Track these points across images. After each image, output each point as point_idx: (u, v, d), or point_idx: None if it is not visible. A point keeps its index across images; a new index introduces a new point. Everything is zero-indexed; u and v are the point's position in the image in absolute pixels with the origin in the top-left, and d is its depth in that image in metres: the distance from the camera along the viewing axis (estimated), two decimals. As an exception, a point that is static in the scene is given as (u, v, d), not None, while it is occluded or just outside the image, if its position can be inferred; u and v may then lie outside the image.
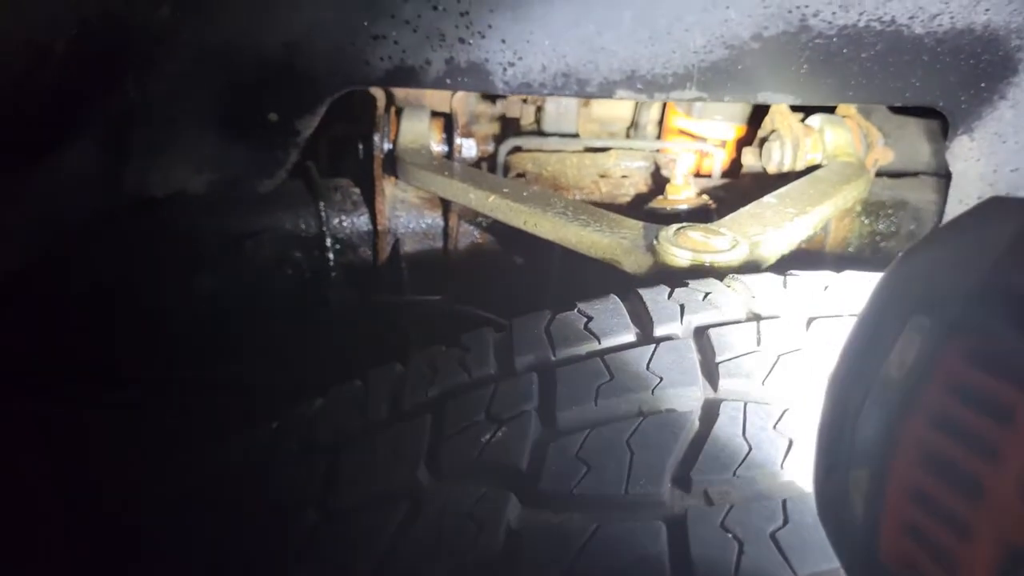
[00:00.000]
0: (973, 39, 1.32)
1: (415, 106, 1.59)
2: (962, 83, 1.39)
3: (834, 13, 1.29)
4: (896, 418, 0.35)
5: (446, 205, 1.62)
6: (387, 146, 1.54)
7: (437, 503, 0.67)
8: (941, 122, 1.76)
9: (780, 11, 1.29)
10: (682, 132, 1.98)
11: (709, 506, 0.62)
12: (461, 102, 1.64)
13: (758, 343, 0.75)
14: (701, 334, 0.78)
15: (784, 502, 0.61)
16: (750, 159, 1.81)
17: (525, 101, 1.82)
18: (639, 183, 1.80)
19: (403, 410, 0.77)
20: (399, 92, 1.65)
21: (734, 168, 1.94)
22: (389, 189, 1.60)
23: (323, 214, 1.58)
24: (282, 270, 1.60)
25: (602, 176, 1.79)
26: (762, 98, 1.43)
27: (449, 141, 1.60)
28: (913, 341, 0.35)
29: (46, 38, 0.99)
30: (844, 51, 1.35)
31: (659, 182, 1.82)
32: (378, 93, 1.58)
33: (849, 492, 0.38)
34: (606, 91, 1.38)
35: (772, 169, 1.68)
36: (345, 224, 1.61)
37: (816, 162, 1.65)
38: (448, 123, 1.61)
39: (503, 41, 1.32)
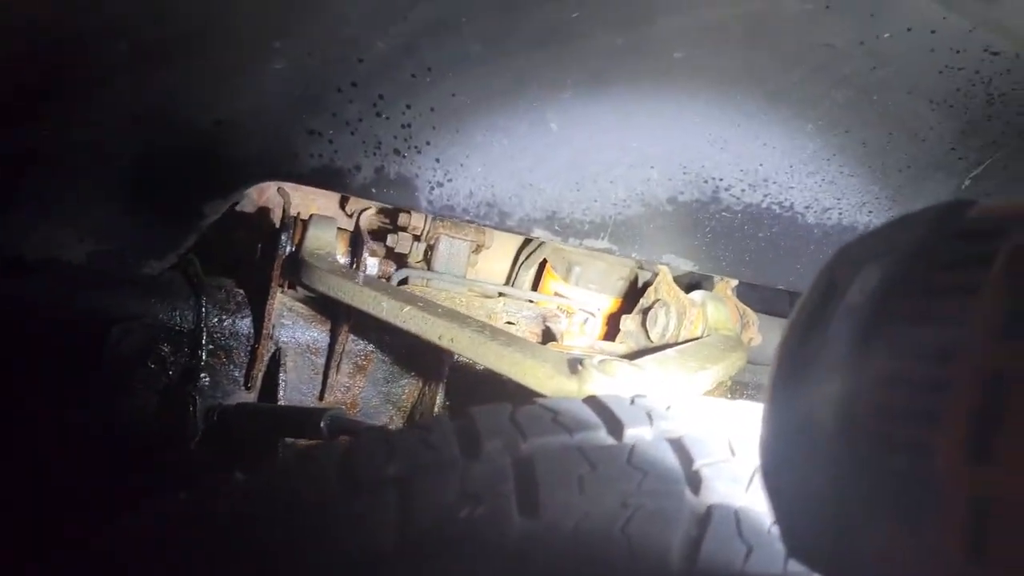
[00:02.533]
0: (854, 236, 1.47)
1: (324, 215, 1.55)
2: (838, 275, 1.53)
3: (743, 190, 1.41)
4: (865, 331, 0.43)
5: (335, 321, 1.56)
6: (289, 249, 1.48)
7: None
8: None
9: (697, 179, 1.39)
10: (557, 295, 2.04)
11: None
12: (367, 221, 1.62)
13: (732, 453, 0.75)
14: (674, 439, 0.76)
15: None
16: (630, 326, 1.88)
17: (417, 239, 1.82)
18: (524, 332, 1.82)
19: (361, 484, 0.69)
20: (292, 203, 1.62)
21: (606, 338, 2.01)
22: (278, 296, 1.52)
23: (203, 310, 1.47)
24: (144, 363, 1.46)
25: (489, 319, 1.80)
26: (665, 259, 1.50)
27: (354, 256, 1.56)
28: (871, 277, 0.45)
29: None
30: (745, 227, 1.46)
31: (544, 335, 1.84)
32: (285, 195, 1.53)
33: (815, 409, 0.45)
34: (525, 227, 1.41)
35: (656, 335, 1.75)
36: (225, 324, 1.50)
37: (696, 334, 1.73)
38: (355, 238, 1.57)
39: (437, 160, 1.33)
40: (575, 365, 1.13)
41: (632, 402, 0.84)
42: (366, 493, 0.68)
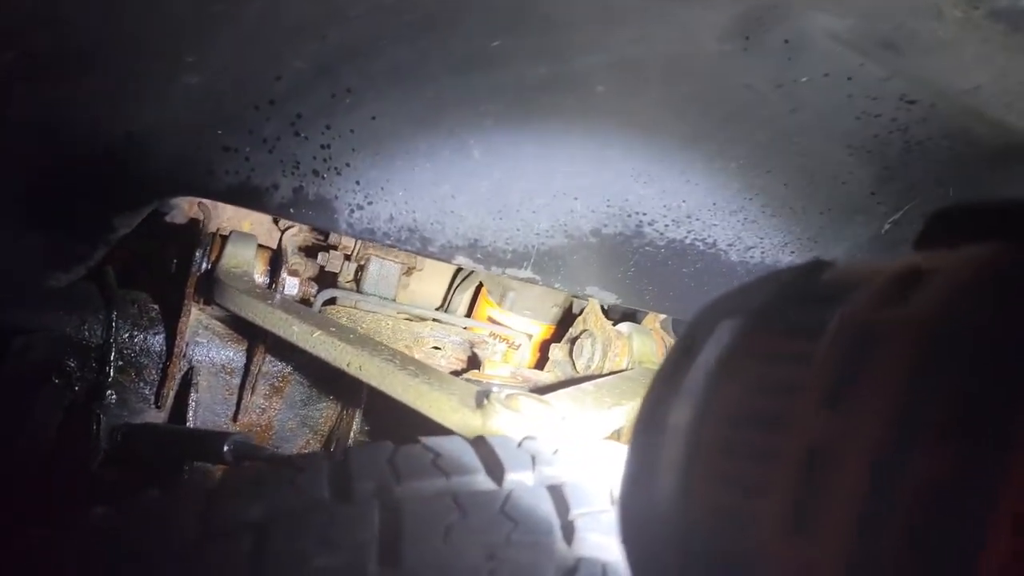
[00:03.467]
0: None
1: (243, 233, 1.52)
2: (762, 313, 1.53)
3: (667, 226, 1.40)
4: (706, 394, 0.43)
5: (252, 340, 1.52)
6: (205, 266, 1.44)
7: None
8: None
9: (621, 213, 1.38)
10: (491, 319, 2.02)
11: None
12: (291, 240, 1.59)
13: (613, 502, 0.73)
14: (554, 486, 0.74)
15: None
16: (558, 355, 1.86)
17: (348, 258, 1.79)
18: (450, 357, 1.80)
19: (218, 528, 0.66)
20: (224, 217, 1.58)
21: (539, 364, 1.99)
22: (194, 313, 1.48)
23: (114, 324, 1.43)
24: (47, 377, 1.40)
25: (415, 343, 1.77)
26: (589, 291, 1.49)
27: (273, 275, 1.53)
28: (722, 337, 0.44)
29: None
30: (669, 263, 1.45)
31: (470, 360, 1.82)
32: (206, 211, 1.50)
33: (660, 467, 0.44)
34: (447, 254, 1.39)
35: (581, 365, 1.74)
36: (136, 339, 1.46)
37: (622, 366, 1.72)
38: (276, 257, 1.54)
39: (357, 183, 1.31)
40: (481, 399, 1.11)
41: (520, 444, 0.82)
42: (221, 538, 0.65)
